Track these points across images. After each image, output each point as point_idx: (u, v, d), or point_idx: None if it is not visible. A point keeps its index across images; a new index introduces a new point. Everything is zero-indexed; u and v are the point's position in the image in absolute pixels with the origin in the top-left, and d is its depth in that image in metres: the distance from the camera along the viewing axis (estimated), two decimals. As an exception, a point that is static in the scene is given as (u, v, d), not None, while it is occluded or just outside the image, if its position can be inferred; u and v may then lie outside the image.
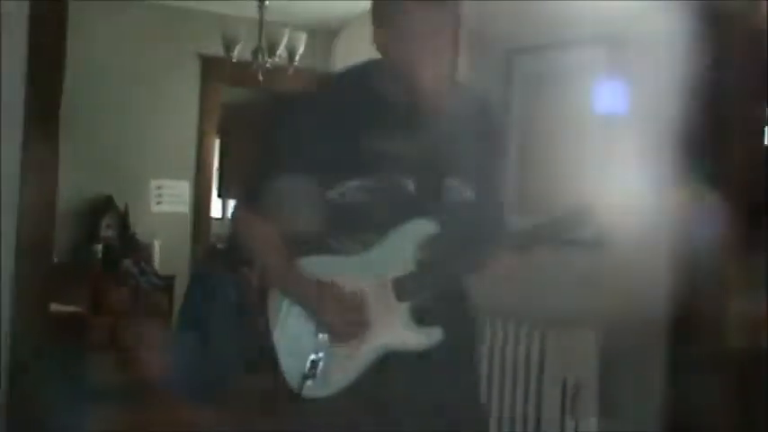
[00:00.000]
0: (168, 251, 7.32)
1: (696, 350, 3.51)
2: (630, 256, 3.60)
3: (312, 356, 2.26)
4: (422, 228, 2.26)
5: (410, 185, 2.26)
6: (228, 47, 6.33)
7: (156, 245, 7.52)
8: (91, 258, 6.95)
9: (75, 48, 7.20)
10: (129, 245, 7.24)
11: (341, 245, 2.29)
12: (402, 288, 2.25)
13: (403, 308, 2.26)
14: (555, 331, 3.82)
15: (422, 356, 2.24)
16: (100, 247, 6.95)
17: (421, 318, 2.26)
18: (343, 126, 2.25)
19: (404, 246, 2.25)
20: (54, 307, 5.52)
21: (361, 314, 2.23)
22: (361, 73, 2.33)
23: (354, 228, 2.27)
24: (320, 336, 2.27)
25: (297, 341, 2.29)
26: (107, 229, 7.23)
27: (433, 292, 2.26)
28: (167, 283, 7.14)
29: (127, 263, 6.70)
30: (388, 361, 2.25)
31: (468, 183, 2.31)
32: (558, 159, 3.97)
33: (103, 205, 7.23)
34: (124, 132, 7.44)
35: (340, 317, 2.22)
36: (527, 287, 3.88)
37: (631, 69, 3.72)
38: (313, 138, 2.26)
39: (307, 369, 2.25)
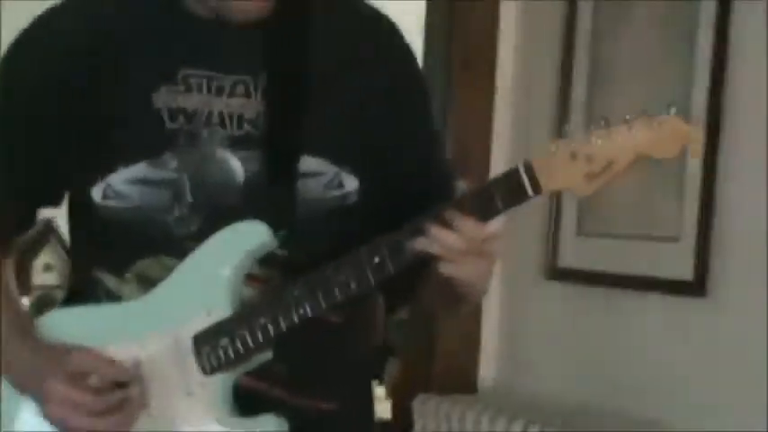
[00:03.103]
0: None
1: None
2: None
3: None
4: (249, 236, 1.72)
5: (230, 168, 1.75)
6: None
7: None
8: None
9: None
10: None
11: (111, 284, 1.81)
12: (210, 350, 1.70)
13: (215, 386, 1.70)
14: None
15: None
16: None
17: (255, 401, 1.72)
18: (109, 65, 1.76)
19: (215, 273, 1.70)
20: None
21: (132, 399, 1.70)
22: None
23: (132, 252, 1.77)
24: None
25: None
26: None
27: (277, 354, 1.71)
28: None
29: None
30: None
31: (350, 164, 1.78)
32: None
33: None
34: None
35: (88, 407, 1.68)
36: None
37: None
38: (54, 92, 1.76)
39: None
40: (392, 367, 4.20)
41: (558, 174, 1.62)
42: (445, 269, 1.62)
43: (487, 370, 3.52)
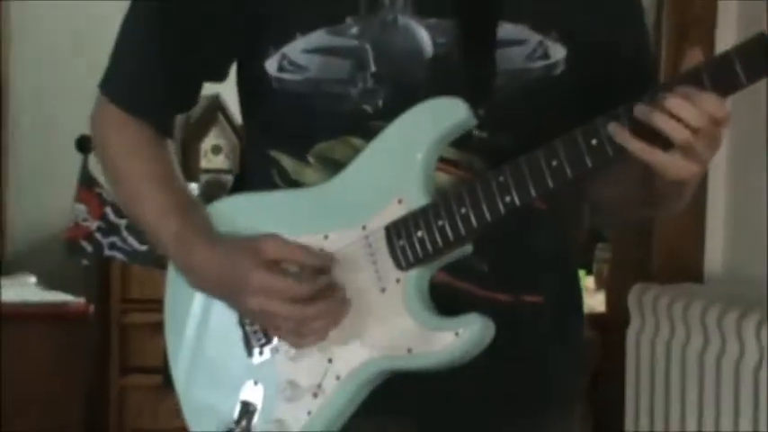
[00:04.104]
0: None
1: None
2: None
3: (243, 394, 1.77)
4: (445, 114, 1.70)
5: (417, 38, 1.74)
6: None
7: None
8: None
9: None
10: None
11: (289, 167, 1.81)
12: (405, 243, 1.68)
13: (409, 283, 1.69)
14: None
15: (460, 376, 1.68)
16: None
17: (451, 299, 1.69)
18: None
19: (407, 156, 1.71)
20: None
21: (338, 284, 1.71)
22: None
23: (313, 132, 1.76)
24: (257, 350, 1.78)
25: (217, 363, 1.84)
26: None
27: (478, 247, 1.69)
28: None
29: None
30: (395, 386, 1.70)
31: (556, 30, 1.75)
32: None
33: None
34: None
35: (292, 292, 1.67)
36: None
37: None
38: None
39: (235, 416, 1.78)
40: (602, 254, 4.08)
41: None
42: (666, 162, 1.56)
43: (715, 254, 3.51)
